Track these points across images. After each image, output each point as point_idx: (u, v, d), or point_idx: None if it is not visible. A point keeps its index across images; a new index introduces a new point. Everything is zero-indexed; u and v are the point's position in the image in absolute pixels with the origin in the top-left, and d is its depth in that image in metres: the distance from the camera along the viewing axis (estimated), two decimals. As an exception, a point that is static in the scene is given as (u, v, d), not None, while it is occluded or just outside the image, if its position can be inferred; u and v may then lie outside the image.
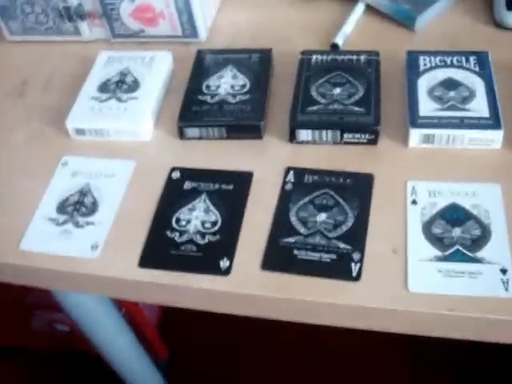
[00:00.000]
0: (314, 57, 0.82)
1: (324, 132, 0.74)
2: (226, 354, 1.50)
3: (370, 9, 0.91)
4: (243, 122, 0.77)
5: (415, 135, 0.73)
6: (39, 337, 1.44)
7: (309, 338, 1.45)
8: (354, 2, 0.90)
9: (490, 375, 1.42)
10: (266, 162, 0.75)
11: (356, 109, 0.75)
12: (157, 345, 1.42)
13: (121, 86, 0.83)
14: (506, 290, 0.63)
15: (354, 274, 0.65)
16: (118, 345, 1.17)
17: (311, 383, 1.46)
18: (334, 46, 0.86)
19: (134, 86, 0.83)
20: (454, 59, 0.80)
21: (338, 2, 0.92)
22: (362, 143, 0.75)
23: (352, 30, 0.88)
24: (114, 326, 1.14)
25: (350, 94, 0.77)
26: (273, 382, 1.46)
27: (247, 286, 0.66)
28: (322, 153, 0.75)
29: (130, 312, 1.31)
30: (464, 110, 0.74)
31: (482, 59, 0.79)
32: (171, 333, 1.50)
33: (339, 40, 0.85)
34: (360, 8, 0.90)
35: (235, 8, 0.96)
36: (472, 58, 0.80)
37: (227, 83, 0.81)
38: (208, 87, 0.81)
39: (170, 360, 1.48)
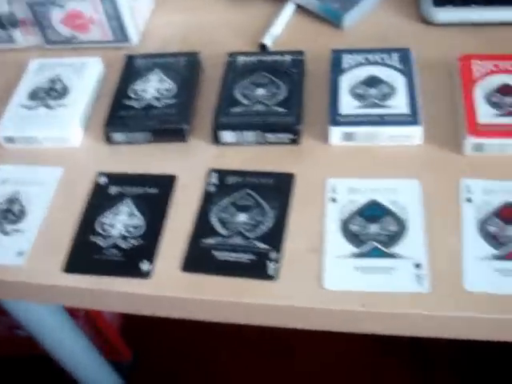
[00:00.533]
0: (241, 58, 0.83)
1: (247, 133, 0.75)
2: (189, 355, 1.51)
3: (300, 9, 0.91)
4: (167, 126, 0.77)
5: (336, 133, 0.74)
6: (0, 342, 1.44)
7: (271, 337, 1.45)
8: (284, 2, 0.90)
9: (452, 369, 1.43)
10: (191, 165, 0.76)
11: (278, 109, 0.76)
12: (119, 347, 1.43)
13: (50, 93, 0.83)
14: (420, 284, 0.63)
15: (271, 273, 0.65)
16: (71, 348, 1.17)
17: (275, 382, 1.47)
18: (263, 47, 0.86)
19: (64, 92, 0.83)
20: (377, 57, 0.80)
21: (270, 3, 0.92)
22: (285, 143, 0.75)
23: (282, 31, 0.88)
24: (65, 329, 1.14)
25: (272, 94, 0.78)
26: (236, 382, 1.47)
27: (167, 288, 0.67)
28: (246, 154, 0.76)
29: (89, 315, 1.31)
30: (384, 106, 0.75)
31: (404, 56, 0.80)
32: (135, 335, 1.50)
33: (267, 41, 0.86)
34: (290, 8, 0.90)
35: (169, 11, 0.96)
36: (395, 55, 0.80)
37: (153, 87, 0.81)
38: (135, 92, 0.81)
39: (134, 362, 1.49)
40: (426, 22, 0.88)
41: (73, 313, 1.25)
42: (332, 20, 0.88)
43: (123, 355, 1.45)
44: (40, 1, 0.86)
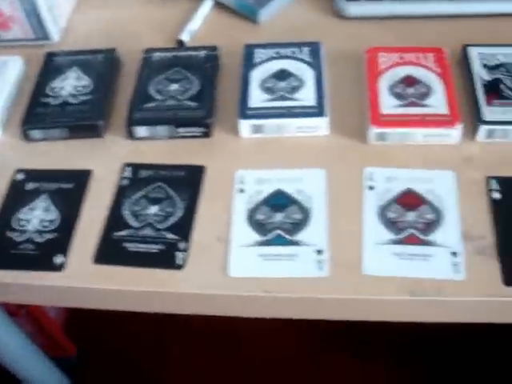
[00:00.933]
0: (157, 54, 0.85)
1: (160, 127, 0.77)
2: (137, 348, 1.52)
3: (218, 5, 0.93)
4: (83, 122, 0.79)
5: (245, 126, 0.76)
6: None
7: (220, 324, 1.47)
8: (203, -2, 0.93)
9: (388, 351, 1.47)
10: (106, 160, 0.78)
11: (190, 103, 0.78)
12: (63, 343, 1.44)
13: (-29, 93, 0.84)
14: (320, 269, 0.66)
15: (179, 262, 0.68)
16: (9, 346, 1.18)
17: (223, 370, 1.49)
18: (180, 43, 0.88)
19: (-19, 92, 0.84)
20: (289, 51, 0.83)
21: (191, -1, 0.94)
22: (197, 136, 0.77)
23: (199, 27, 0.90)
24: (1, 327, 1.15)
25: (185, 89, 0.80)
26: (185, 370, 1.48)
27: (80, 280, 0.69)
28: (160, 148, 0.78)
29: (32, 311, 1.32)
30: (292, 99, 0.77)
31: (314, 50, 0.83)
32: (80, 330, 1.51)
33: (185, 37, 0.88)
34: (208, 4, 0.93)
35: (91, 7, 0.98)
36: (305, 49, 0.83)
37: (70, 85, 0.83)
38: (52, 89, 0.83)
39: (80, 357, 1.50)
40: (340, 16, 0.90)
41: (13, 311, 1.26)
42: (248, 15, 0.90)
43: (68, 351, 1.46)
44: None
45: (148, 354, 1.50)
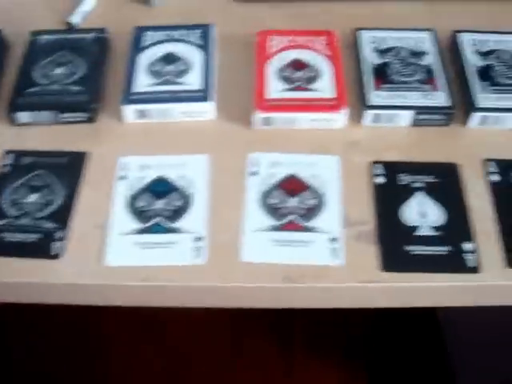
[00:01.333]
0: (44, 37, 0.82)
1: (43, 113, 0.75)
2: (64, 340, 1.51)
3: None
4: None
5: (128, 111, 0.75)
6: None
7: (146, 313, 1.46)
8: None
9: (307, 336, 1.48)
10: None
11: (74, 88, 0.76)
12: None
13: None
14: (198, 256, 0.65)
15: (56, 251, 0.66)
16: None
17: (148, 358, 1.48)
18: (70, 25, 0.85)
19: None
20: (179, 33, 0.81)
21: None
22: (81, 122, 0.75)
23: (92, 9, 0.88)
24: None
25: (71, 73, 0.78)
26: (111, 360, 1.48)
27: None
28: (44, 134, 0.76)
29: None
30: (178, 83, 0.76)
31: (205, 32, 0.82)
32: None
33: (75, 19, 0.86)
34: (102, -15, 0.90)
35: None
36: (196, 32, 0.82)
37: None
38: None
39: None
40: (237, -1, 0.89)
41: None
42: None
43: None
44: None
45: (73, 343, 1.48)
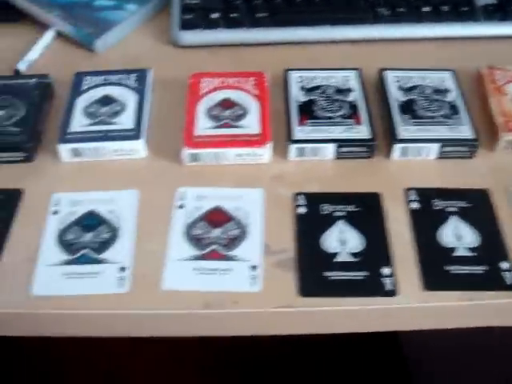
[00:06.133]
0: (-14, 83, 0.86)
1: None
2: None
3: (59, 34, 0.96)
4: None
5: (64, 150, 0.78)
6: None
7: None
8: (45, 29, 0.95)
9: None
10: None
11: (13, 129, 0.80)
12: None
13: None
14: (121, 286, 0.68)
15: (-15, 284, 0.68)
16: None
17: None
18: (16, 72, 0.90)
19: None
20: (116, 77, 0.85)
21: (33, 29, 0.96)
22: (19, 161, 0.79)
23: (39, 56, 0.92)
24: None
25: (10, 115, 0.81)
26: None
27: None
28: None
29: None
30: (111, 123, 0.80)
31: (141, 76, 0.86)
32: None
33: (21, 66, 0.90)
34: (49, 34, 0.95)
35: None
36: (133, 76, 0.86)
37: None
38: None
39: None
40: (176, 45, 0.93)
41: None
42: (86, 44, 0.93)
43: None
44: None
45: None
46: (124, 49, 0.94)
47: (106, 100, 0.82)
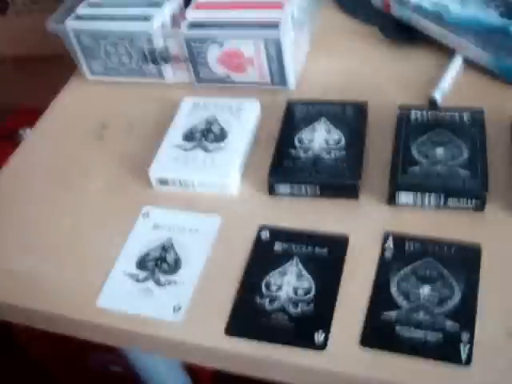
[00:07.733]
0: (413, 112, 0.77)
1: (426, 195, 0.69)
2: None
3: (467, 62, 0.85)
4: (338, 181, 0.72)
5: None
6: (94, 377, 1.41)
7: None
8: (449, 51, 0.85)
9: None
10: (362, 226, 0.71)
11: (461, 171, 0.70)
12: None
13: (207, 134, 0.79)
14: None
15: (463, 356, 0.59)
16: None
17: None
18: (432, 102, 0.80)
19: (221, 135, 0.79)
20: None
21: (432, 49, 0.86)
22: (468, 209, 0.69)
23: (450, 86, 0.82)
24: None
25: (453, 154, 0.71)
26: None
27: (344, 363, 0.61)
28: (423, 218, 0.70)
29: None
30: None
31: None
32: None
33: (437, 95, 0.80)
34: (458, 61, 0.84)
35: (324, 56, 0.92)
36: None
37: (321, 137, 0.76)
38: (300, 141, 0.76)
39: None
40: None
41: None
42: (504, 76, 0.81)
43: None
44: (200, 37, 0.81)
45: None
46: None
47: None
